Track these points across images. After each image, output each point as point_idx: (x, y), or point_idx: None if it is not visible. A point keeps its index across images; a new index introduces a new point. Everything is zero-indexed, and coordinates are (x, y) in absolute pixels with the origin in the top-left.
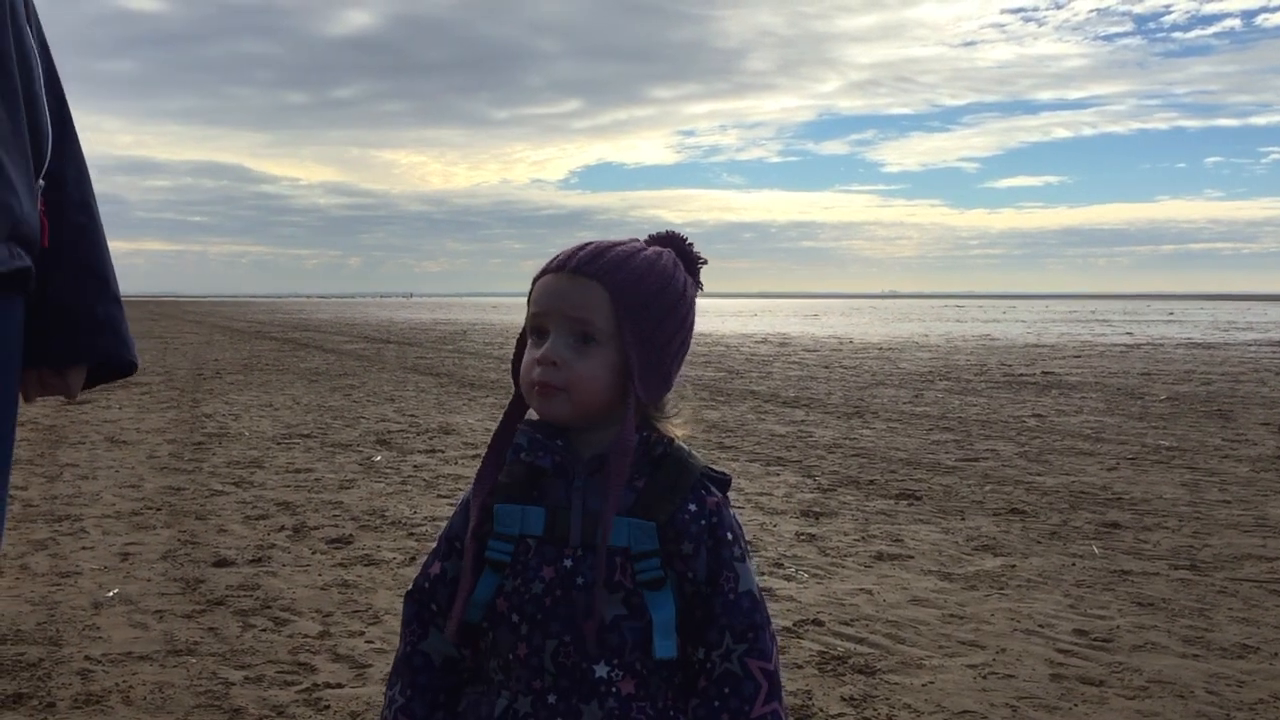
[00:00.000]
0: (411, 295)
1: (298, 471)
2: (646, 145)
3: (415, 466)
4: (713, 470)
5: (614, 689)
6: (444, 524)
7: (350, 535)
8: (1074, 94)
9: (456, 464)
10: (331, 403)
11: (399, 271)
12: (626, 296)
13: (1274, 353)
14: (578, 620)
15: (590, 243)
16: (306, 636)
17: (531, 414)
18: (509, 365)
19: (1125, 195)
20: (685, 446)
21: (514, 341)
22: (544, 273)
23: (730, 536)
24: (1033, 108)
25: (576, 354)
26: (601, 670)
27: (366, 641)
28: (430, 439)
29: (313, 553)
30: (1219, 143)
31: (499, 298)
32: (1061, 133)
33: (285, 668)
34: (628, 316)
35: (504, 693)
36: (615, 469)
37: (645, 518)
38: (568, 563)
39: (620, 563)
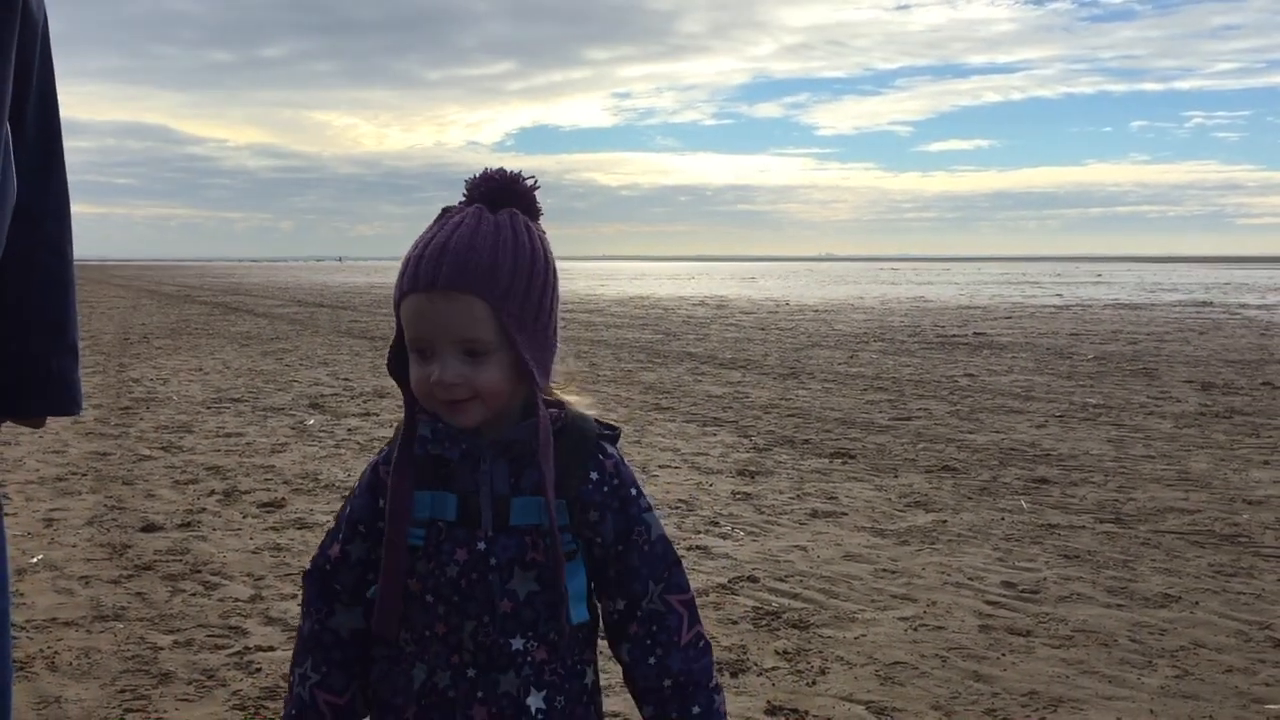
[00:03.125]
0: (343, 259)
1: (228, 436)
2: (582, 108)
3: (349, 430)
4: (603, 427)
5: (529, 658)
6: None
7: (283, 499)
8: (1003, 58)
9: (391, 427)
10: (263, 367)
11: (331, 235)
12: (504, 302)
13: (1197, 313)
14: (494, 601)
15: (443, 242)
16: (237, 600)
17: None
18: None
19: (1054, 159)
20: (576, 409)
21: None
22: (410, 290)
23: (635, 492)
24: (963, 71)
25: (473, 368)
26: (518, 643)
27: (299, 604)
28: (365, 402)
29: (244, 517)
30: (1144, 107)
31: None
32: (991, 96)
33: (215, 631)
34: (510, 320)
35: (419, 664)
36: (544, 465)
37: (556, 496)
38: (481, 545)
39: (532, 541)
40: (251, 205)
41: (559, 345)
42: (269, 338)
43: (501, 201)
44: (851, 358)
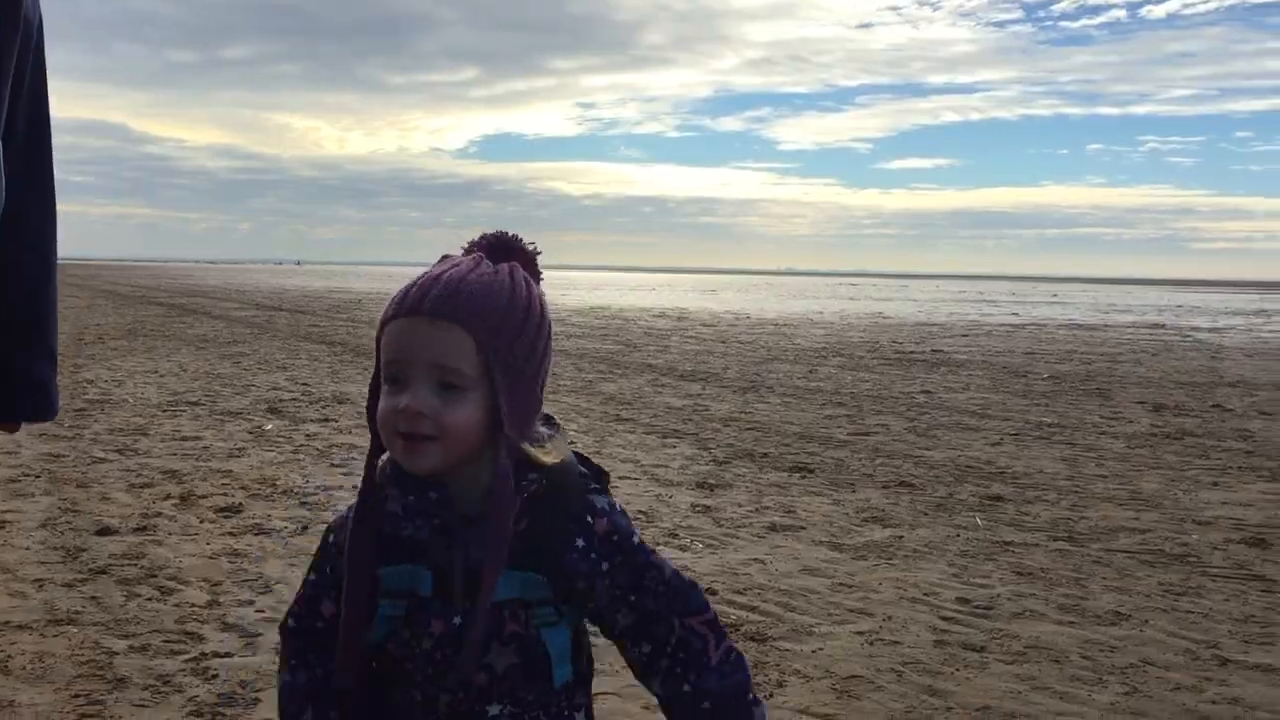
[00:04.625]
0: (301, 263)
1: (185, 439)
2: (546, 116)
3: (308, 435)
4: (589, 479)
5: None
6: (336, 493)
7: (240, 504)
8: (963, 78)
9: (350, 433)
10: (221, 370)
11: (291, 238)
12: (492, 338)
13: (1151, 334)
14: (469, 676)
15: (437, 274)
16: (194, 605)
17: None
18: None
19: (1012, 179)
20: (559, 466)
21: None
22: (395, 315)
23: (636, 542)
24: (923, 91)
25: (444, 402)
26: (494, 709)
27: (257, 610)
28: (324, 408)
29: (200, 521)
30: (1100, 130)
31: (394, 267)
32: (951, 116)
33: (171, 637)
34: (496, 360)
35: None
36: (496, 529)
37: (535, 569)
38: (457, 620)
39: (511, 614)
40: (210, 206)
41: (542, 404)
42: (226, 341)
43: (502, 256)
44: (811, 372)
